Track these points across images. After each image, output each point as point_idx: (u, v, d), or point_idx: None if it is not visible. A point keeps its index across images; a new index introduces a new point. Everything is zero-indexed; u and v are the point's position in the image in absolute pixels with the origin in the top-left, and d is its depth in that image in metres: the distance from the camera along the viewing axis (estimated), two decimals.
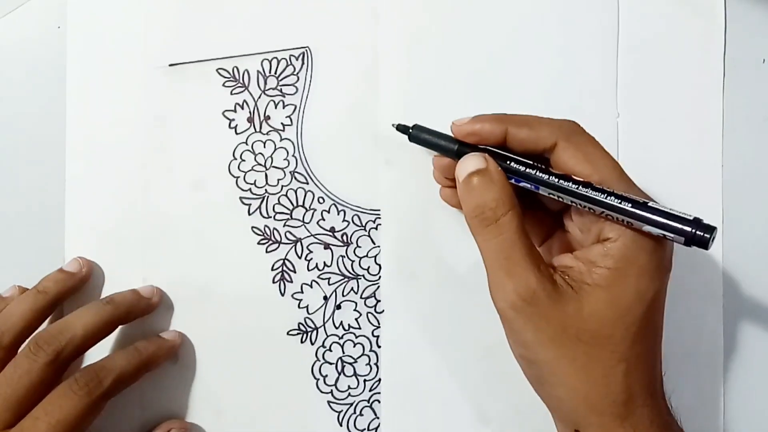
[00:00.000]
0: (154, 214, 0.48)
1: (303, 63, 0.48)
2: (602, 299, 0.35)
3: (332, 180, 0.48)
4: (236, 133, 0.48)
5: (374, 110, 0.47)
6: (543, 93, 0.47)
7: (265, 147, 0.48)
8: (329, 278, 0.48)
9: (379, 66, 0.47)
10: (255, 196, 0.48)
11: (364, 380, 0.48)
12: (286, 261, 0.48)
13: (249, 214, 0.48)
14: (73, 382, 0.41)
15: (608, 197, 0.35)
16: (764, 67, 0.47)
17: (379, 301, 0.47)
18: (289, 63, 0.48)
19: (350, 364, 0.48)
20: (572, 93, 0.47)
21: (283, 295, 0.48)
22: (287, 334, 0.48)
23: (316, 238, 0.48)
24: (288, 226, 0.48)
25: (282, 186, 0.48)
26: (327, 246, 0.48)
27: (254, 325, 0.48)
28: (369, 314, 0.48)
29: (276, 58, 0.48)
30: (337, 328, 0.48)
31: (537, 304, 0.35)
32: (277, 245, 0.48)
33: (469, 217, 0.38)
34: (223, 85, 0.48)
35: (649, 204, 0.35)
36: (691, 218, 0.34)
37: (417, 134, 0.42)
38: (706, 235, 0.34)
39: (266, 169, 0.48)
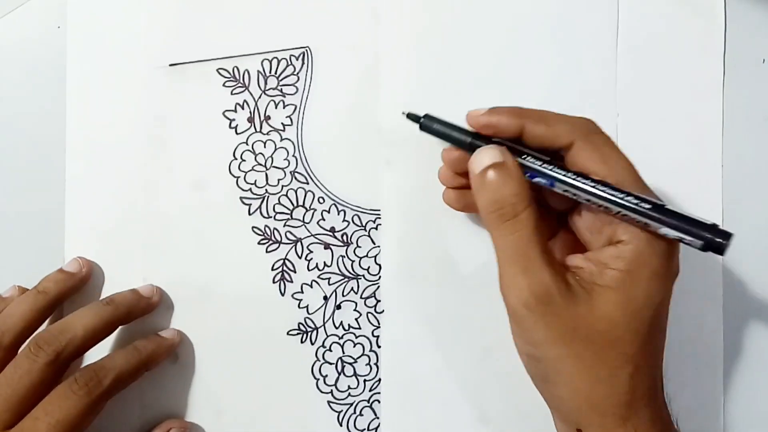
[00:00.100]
0: (154, 214, 0.48)
1: (303, 63, 0.48)
2: (613, 301, 0.35)
3: (332, 180, 0.48)
4: (236, 133, 0.48)
5: (374, 110, 0.47)
6: (543, 92, 0.47)
7: (265, 147, 0.48)
8: (329, 278, 0.48)
9: (379, 66, 0.47)
10: (255, 196, 0.48)
11: (364, 380, 0.48)
12: (286, 261, 0.48)
13: (249, 214, 0.48)
14: (72, 381, 0.41)
15: (627, 198, 0.35)
16: (764, 67, 0.47)
17: (379, 301, 0.47)
18: (289, 63, 0.48)
19: (350, 364, 0.48)
20: (573, 93, 0.47)
21: (283, 295, 0.48)
22: (287, 334, 0.48)
23: (316, 238, 0.48)
24: (288, 226, 0.48)
25: (282, 186, 0.48)
26: (327, 246, 0.48)
27: (254, 325, 0.48)
28: (369, 314, 0.48)
29: (276, 58, 0.48)
30: (337, 328, 0.48)
31: (550, 303, 0.35)
32: (277, 245, 0.48)
33: (486, 211, 0.37)
34: (224, 85, 0.48)
35: (667, 207, 0.35)
36: (710, 223, 0.34)
37: (428, 124, 0.41)
38: (723, 241, 0.34)
39: (266, 169, 0.48)
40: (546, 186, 0.38)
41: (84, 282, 0.47)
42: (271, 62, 0.48)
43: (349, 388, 0.48)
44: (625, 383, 0.35)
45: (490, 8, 0.47)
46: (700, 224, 0.34)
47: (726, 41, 0.47)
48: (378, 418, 0.47)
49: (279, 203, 0.48)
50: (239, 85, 0.48)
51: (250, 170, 0.48)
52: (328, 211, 0.47)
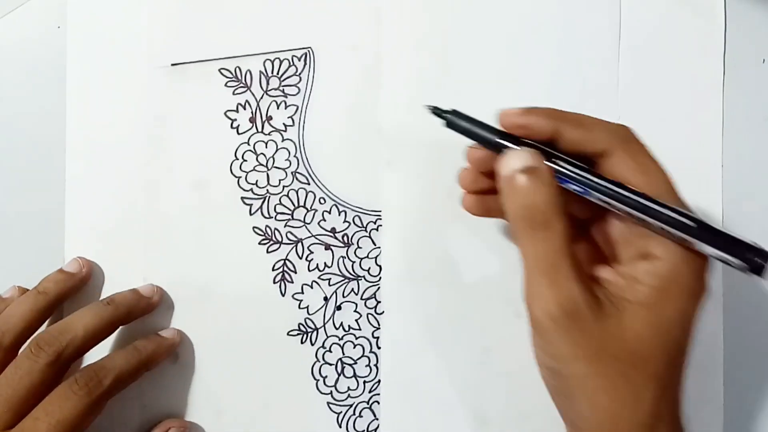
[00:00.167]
0: (154, 214, 0.48)
1: (305, 63, 0.48)
2: (644, 318, 0.34)
3: (333, 181, 0.48)
4: (238, 134, 0.48)
5: (376, 111, 0.47)
6: (545, 92, 0.47)
7: (266, 147, 0.48)
8: (330, 279, 0.48)
9: (381, 67, 0.47)
10: (256, 197, 0.48)
11: (364, 381, 0.48)
12: (286, 261, 0.48)
13: (250, 215, 0.48)
14: (72, 382, 0.41)
15: (669, 212, 0.34)
16: (764, 67, 0.48)
17: (380, 302, 0.47)
18: (291, 63, 0.48)
19: (350, 365, 0.48)
20: (574, 93, 0.47)
21: (283, 295, 0.48)
22: (287, 334, 0.48)
23: (317, 238, 0.48)
24: (289, 226, 0.48)
25: (283, 186, 0.48)
26: (328, 247, 0.48)
27: (254, 326, 0.48)
28: (369, 315, 0.47)
29: (278, 58, 0.48)
30: (337, 329, 0.48)
31: (578, 318, 0.33)
32: (278, 245, 0.48)
33: (516, 217, 0.35)
34: (226, 85, 0.48)
35: (710, 225, 0.33)
36: (752, 243, 0.33)
37: (455, 120, 0.38)
38: (766, 263, 0.33)
39: (268, 170, 0.48)
40: (578, 193, 0.36)
41: (84, 282, 0.47)
42: (273, 63, 0.48)
43: (348, 389, 0.48)
44: (650, 403, 0.34)
45: (491, 9, 0.47)
46: (742, 244, 0.33)
47: (726, 41, 0.47)
48: (377, 419, 0.47)
49: (280, 203, 0.48)
50: (241, 85, 0.48)
51: (252, 170, 0.48)
52: (329, 212, 0.47)
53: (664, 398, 0.34)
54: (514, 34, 0.48)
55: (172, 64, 0.48)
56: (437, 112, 0.38)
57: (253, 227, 0.48)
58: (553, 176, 0.35)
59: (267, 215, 0.48)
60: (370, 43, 0.48)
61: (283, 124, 0.48)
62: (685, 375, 0.36)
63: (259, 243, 0.48)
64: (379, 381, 0.47)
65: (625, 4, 0.47)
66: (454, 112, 0.38)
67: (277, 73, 0.48)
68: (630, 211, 0.34)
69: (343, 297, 0.48)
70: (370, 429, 0.47)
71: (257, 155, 0.48)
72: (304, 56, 0.48)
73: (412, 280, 0.47)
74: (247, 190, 0.48)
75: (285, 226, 0.48)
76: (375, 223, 0.47)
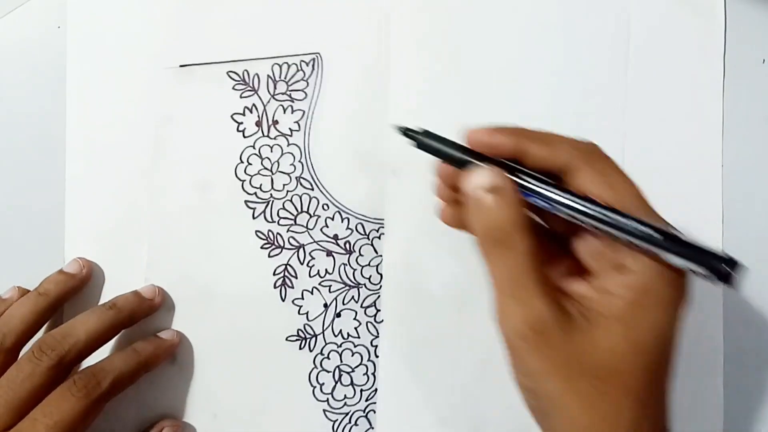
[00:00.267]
0: (155, 214, 0.48)
1: (313, 69, 0.48)
2: (618, 332, 0.33)
3: (338, 187, 0.48)
4: (244, 137, 0.48)
5: (383, 119, 0.48)
6: (549, 95, 0.48)
7: (272, 151, 0.48)
8: (330, 286, 0.48)
9: (389, 75, 0.48)
10: (260, 200, 0.48)
11: (361, 390, 0.47)
12: (288, 266, 0.47)
13: (253, 218, 0.48)
14: (71, 384, 0.41)
15: (635, 225, 0.33)
16: (764, 67, 0.48)
17: (379, 310, 0.47)
18: (299, 68, 0.48)
19: (348, 373, 0.47)
20: (575, 94, 0.48)
21: (283, 300, 0.47)
22: (286, 339, 0.47)
23: (319, 244, 0.48)
24: (291, 231, 0.48)
25: (287, 191, 0.48)
26: (329, 253, 0.48)
27: (254, 330, 0.47)
28: (368, 323, 0.47)
29: (287, 63, 0.48)
30: (336, 336, 0.47)
31: (547, 333, 0.33)
32: (279, 250, 0.47)
33: (480, 236, 0.35)
34: (233, 88, 0.48)
35: (678, 235, 0.33)
36: (721, 254, 0.33)
37: (425, 141, 0.37)
38: (733, 272, 0.32)
39: (272, 174, 0.48)
40: (545, 208, 0.35)
41: (84, 283, 0.47)
42: (281, 67, 0.48)
43: (345, 397, 0.47)
44: (630, 419, 0.33)
45: (498, 16, 0.48)
46: (709, 254, 0.33)
47: (726, 41, 0.47)
48: (373, 428, 0.47)
49: (283, 208, 0.48)
50: (249, 88, 0.48)
51: (256, 174, 0.48)
52: (332, 219, 0.48)
53: (645, 412, 0.33)
54: (517, 38, 0.48)
55: (181, 66, 0.48)
56: (408, 133, 0.38)
57: (256, 231, 0.48)
58: (517, 194, 0.35)
59: (270, 219, 0.48)
60: (378, 51, 0.48)
61: (289, 128, 0.48)
62: (670, 389, 0.35)
63: (261, 247, 0.47)
64: (375, 390, 0.47)
65: (626, 5, 0.48)
66: (426, 133, 0.37)
67: (285, 78, 0.48)
68: (596, 224, 0.34)
69: (343, 304, 0.48)
70: None
71: (262, 159, 0.48)
72: (312, 62, 0.48)
73: (412, 289, 0.47)
74: (251, 194, 0.48)
75: (287, 231, 0.48)
76: (377, 231, 0.47)
